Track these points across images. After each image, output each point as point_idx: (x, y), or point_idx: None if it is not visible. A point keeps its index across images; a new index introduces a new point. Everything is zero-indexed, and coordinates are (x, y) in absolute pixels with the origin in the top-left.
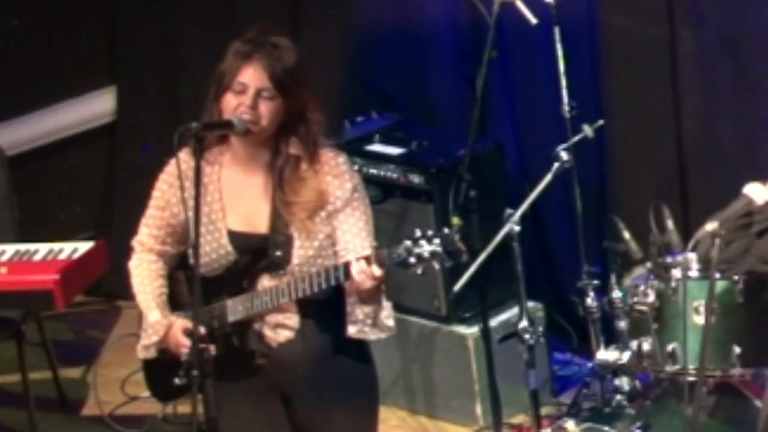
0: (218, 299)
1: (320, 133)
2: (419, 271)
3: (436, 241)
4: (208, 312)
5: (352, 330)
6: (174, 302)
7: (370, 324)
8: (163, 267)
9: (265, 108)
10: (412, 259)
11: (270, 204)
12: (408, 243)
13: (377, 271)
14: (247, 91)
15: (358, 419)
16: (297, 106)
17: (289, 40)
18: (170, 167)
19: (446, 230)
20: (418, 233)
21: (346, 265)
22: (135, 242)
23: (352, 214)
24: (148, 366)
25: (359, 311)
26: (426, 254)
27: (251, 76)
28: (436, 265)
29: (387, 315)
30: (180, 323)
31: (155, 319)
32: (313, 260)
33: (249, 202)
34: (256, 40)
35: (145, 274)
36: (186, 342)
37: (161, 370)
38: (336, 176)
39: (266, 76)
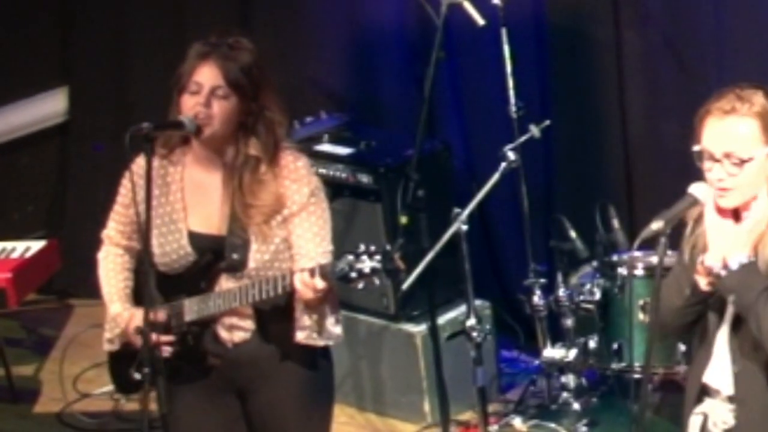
0: (177, 297)
1: (283, 135)
2: (360, 286)
3: (377, 257)
4: (166, 309)
5: (300, 336)
6: (140, 296)
7: (317, 330)
8: (130, 260)
9: (219, 107)
10: (354, 274)
11: (229, 206)
12: (350, 258)
13: (319, 283)
14: (202, 90)
15: (312, 421)
16: (255, 106)
17: (249, 41)
18: (135, 166)
19: (388, 247)
20: (361, 248)
21: (291, 275)
22: (103, 235)
23: (307, 219)
24: (113, 359)
25: (307, 318)
26: (367, 270)
27: (205, 75)
28: (377, 281)
29: (333, 323)
30: (140, 315)
31: (116, 312)
32: (270, 264)
33: (209, 204)
34: (214, 41)
35: (111, 267)
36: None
37: (123, 363)
38: (294, 180)
39: (220, 75)
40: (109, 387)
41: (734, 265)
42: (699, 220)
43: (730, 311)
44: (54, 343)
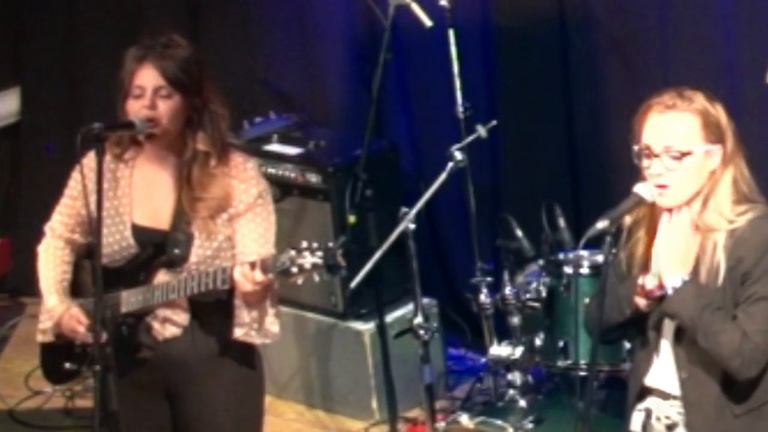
0: (115, 290)
1: (226, 129)
2: (300, 281)
3: (319, 253)
4: (103, 301)
5: (239, 332)
6: (76, 290)
7: (256, 328)
8: (70, 254)
9: (165, 107)
10: (294, 269)
11: (176, 201)
12: (292, 253)
13: (258, 276)
14: (145, 93)
15: (242, 424)
16: (199, 100)
17: (181, 37)
18: (87, 159)
19: (330, 244)
20: (303, 244)
21: (232, 269)
22: (47, 227)
23: (253, 220)
24: (44, 348)
25: (246, 315)
26: (307, 265)
27: (145, 77)
28: (316, 277)
29: (272, 321)
30: (75, 310)
31: (52, 305)
32: (211, 260)
33: (156, 198)
34: (148, 42)
35: (51, 259)
36: (79, 328)
37: (55, 353)
38: (243, 180)
39: (160, 75)
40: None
41: (670, 290)
42: (635, 227)
43: (672, 324)
44: (6, 341)
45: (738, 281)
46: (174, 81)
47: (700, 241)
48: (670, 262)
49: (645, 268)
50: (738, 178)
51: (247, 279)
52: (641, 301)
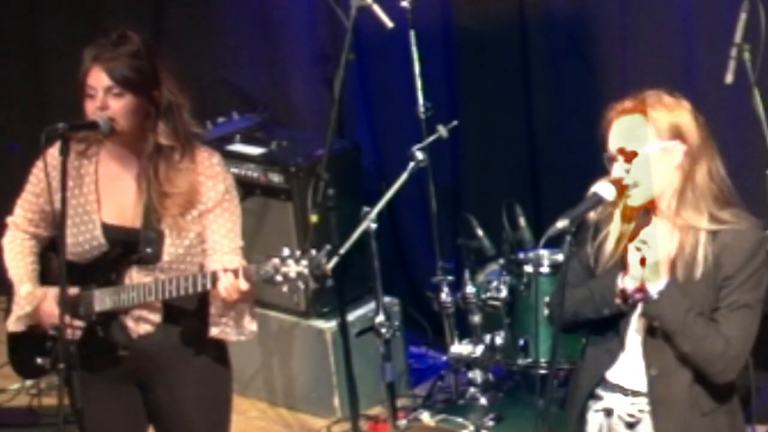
0: (86, 287)
1: (189, 118)
2: (284, 289)
3: (304, 262)
4: (76, 297)
5: (215, 331)
6: (44, 281)
7: (232, 326)
8: (36, 245)
9: (117, 106)
10: (279, 278)
11: (144, 198)
12: (276, 261)
13: (243, 285)
14: (97, 93)
15: (212, 413)
16: (156, 93)
17: (141, 34)
18: (49, 156)
19: (314, 252)
20: (286, 252)
21: (214, 274)
22: (10, 221)
23: (222, 215)
24: (14, 341)
25: (222, 314)
26: (292, 274)
27: (95, 78)
28: (301, 286)
29: (250, 320)
30: (53, 293)
31: (28, 291)
32: (183, 258)
33: (123, 196)
34: (101, 41)
35: (18, 249)
36: (57, 312)
37: (26, 347)
38: (210, 177)
39: (107, 76)
40: (26, 383)
41: (654, 295)
42: (603, 223)
43: (642, 320)
44: None
45: (718, 285)
46: (122, 81)
47: (679, 239)
48: (653, 268)
49: (617, 266)
50: (713, 173)
51: (233, 289)
52: (619, 302)
